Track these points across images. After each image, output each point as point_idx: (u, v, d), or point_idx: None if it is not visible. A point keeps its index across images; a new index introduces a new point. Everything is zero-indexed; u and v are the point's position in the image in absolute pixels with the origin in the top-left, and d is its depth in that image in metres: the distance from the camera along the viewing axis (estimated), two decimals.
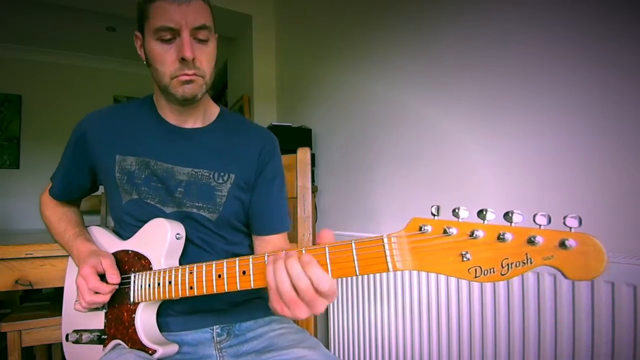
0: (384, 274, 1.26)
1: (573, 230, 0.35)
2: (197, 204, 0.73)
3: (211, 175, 0.74)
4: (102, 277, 0.67)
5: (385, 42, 1.40)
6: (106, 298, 0.66)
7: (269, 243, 0.81)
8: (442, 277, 1.05)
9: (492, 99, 1.02)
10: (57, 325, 1.19)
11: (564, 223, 0.35)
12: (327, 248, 0.46)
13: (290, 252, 0.48)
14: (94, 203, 2.71)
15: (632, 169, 0.76)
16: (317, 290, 0.45)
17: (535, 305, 0.84)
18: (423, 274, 1.12)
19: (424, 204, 1.24)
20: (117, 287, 0.67)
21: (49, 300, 1.44)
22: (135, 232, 0.73)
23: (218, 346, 0.73)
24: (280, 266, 0.46)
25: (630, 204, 0.76)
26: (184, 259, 0.70)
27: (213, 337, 0.74)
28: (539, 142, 0.92)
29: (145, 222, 0.72)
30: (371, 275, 1.32)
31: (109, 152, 0.74)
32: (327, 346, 1.55)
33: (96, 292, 0.65)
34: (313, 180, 1.80)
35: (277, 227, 0.81)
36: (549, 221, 0.36)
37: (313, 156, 1.80)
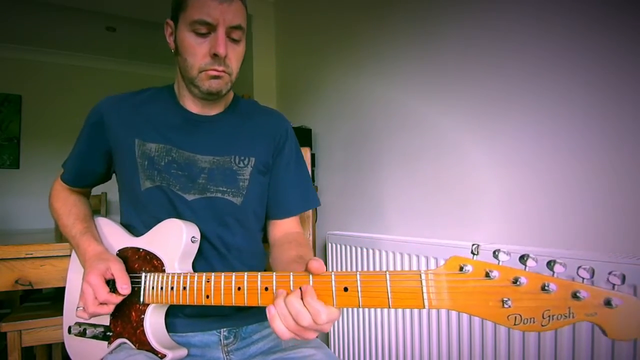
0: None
1: (616, 287, 0.35)
2: (221, 189, 0.73)
3: (232, 160, 0.75)
4: (109, 282, 0.66)
5: (386, 42, 1.40)
6: (111, 309, 0.64)
7: (277, 227, 0.82)
8: None
9: (492, 99, 1.02)
10: (57, 325, 1.19)
11: (608, 280, 0.35)
12: (358, 275, 0.45)
13: (292, 290, 0.48)
14: (93, 203, 2.71)
15: (632, 169, 0.76)
16: (316, 323, 0.46)
17: None
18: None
19: (424, 203, 1.24)
20: (125, 296, 0.65)
21: (49, 300, 1.44)
22: (151, 222, 0.71)
23: (225, 349, 0.73)
24: (281, 304, 0.47)
25: (630, 204, 0.76)
26: (197, 260, 0.70)
27: (220, 340, 0.73)
28: (539, 142, 0.92)
29: (165, 209, 0.71)
30: None
31: (128, 136, 0.73)
32: (327, 346, 1.55)
33: (102, 303, 0.63)
34: (313, 180, 1.80)
35: (287, 210, 0.82)
36: (592, 275, 0.36)
37: (313, 156, 1.80)
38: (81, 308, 0.65)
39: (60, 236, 1.71)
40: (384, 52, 1.42)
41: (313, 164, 1.79)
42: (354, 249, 1.40)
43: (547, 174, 0.90)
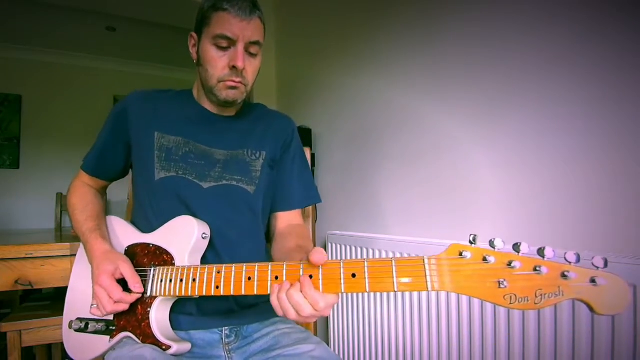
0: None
1: (600, 269, 0.39)
2: (236, 177, 0.79)
3: (246, 153, 0.81)
4: (119, 281, 0.67)
5: (386, 42, 1.41)
6: (127, 307, 0.66)
7: (280, 219, 0.87)
8: None
9: (492, 99, 1.02)
10: (57, 325, 1.19)
11: (592, 263, 0.39)
12: (365, 262, 0.49)
13: (293, 284, 0.53)
14: None
15: (631, 169, 0.76)
16: (316, 310, 0.51)
17: None
18: None
19: (424, 203, 1.24)
20: (140, 295, 0.67)
21: (49, 300, 1.44)
22: (162, 209, 0.74)
23: (227, 348, 0.74)
24: (283, 298, 0.52)
25: (630, 204, 0.76)
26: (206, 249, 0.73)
27: (222, 339, 0.75)
28: (539, 142, 0.92)
29: (180, 197, 0.75)
30: None
31: (148, 128, 0.78)
32: (327, 344, 1.55)
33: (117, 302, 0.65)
34: None
35: (291, 203, 0.87)
36: (578, 259, 0.40)
37: (313, 156, 1.80)
38: (95, 306, 0.67)
39: (60, 236, 1.71)
40: (384, 52, 1.42)
41: (313, 164, 1.79)
42: (353, 248, 1.40)
43: (547, 174, 0.90)
